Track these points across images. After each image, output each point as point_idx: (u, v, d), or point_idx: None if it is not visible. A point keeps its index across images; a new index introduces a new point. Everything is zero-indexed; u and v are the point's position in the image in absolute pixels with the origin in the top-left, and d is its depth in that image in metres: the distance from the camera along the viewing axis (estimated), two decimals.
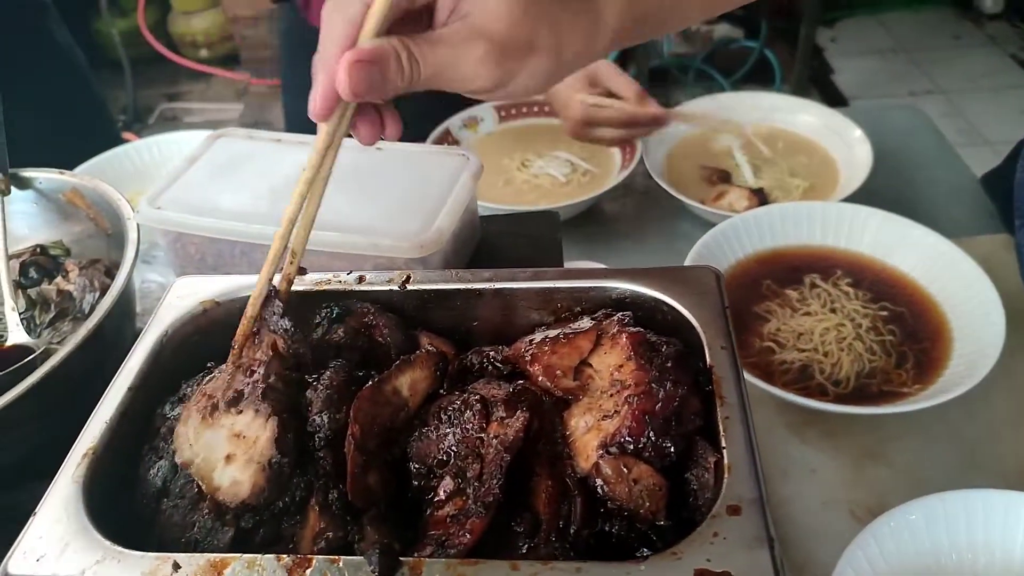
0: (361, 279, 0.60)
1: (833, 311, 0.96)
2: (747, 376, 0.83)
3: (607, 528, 0.46)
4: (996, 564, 0.71)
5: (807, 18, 2.80)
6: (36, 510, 0.46)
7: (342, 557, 0.42)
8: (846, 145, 1.23)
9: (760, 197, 1.16)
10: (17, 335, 0.82)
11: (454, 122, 1.36)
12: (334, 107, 0.47)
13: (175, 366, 0.56)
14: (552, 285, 0.58)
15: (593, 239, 1.21)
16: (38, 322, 0.85)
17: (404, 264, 0.65)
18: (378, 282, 0.60)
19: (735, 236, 1.03)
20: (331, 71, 0.45)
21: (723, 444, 0.46)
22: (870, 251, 1.03)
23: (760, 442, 0.88)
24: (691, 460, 0.47)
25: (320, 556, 0.43)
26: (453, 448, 0.49)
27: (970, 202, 1.21)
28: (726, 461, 0.45)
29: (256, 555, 0.43)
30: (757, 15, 3.09)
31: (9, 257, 0.85)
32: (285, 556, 0.43)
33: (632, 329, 0.52)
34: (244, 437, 0.48)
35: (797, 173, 1.23)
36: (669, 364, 0.48)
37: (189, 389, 0.54)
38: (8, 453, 0.63)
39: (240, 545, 0.46)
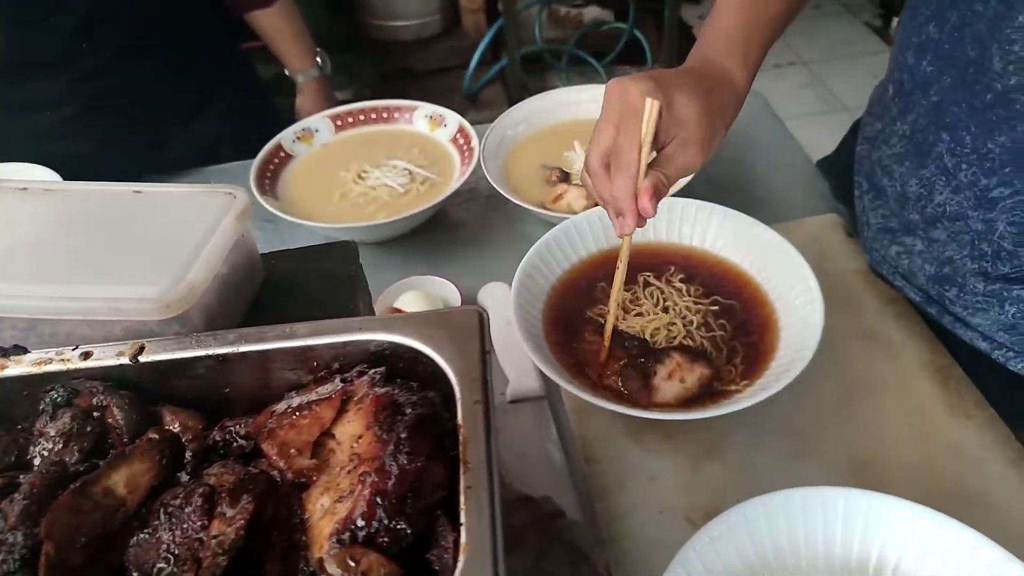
0: (87, 355, 0.53)
1: (665, 310, 0.94)
2: (574, 391, 0.80)
3: None
4: (819, 560, 0.71)
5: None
6: None
7: None
8: None
9: None
10: None
11: (287, 135, 1.28)
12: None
13: None
14: (304, 344, 0.52)
15: (436, 249, 1.17)
16: None
17: (157, 326, 0.58)
18: (107, 356, 0.53)
19: (568, 240, 1.00)
20: (633, 208, 0.70)
21: (462, 519, 0.42)
22: (702, 244, 1.02)
23: (598, 452, 0.87)
24: (432, 539, 0.43)
25: None
26: (172, 552, 0.43)
27: (806, 184, 1.23)
28: (463, 540, 0.41)
29: None
30: None
31: None
32: None
33: (379, 391, 0.47)
34: None
35: None
36: (405, 435, 0.44)
37: None
38: None
39: None
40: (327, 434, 0.47)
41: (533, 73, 3.08)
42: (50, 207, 0.67)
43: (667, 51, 3.01)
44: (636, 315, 0.94)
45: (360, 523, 0.42)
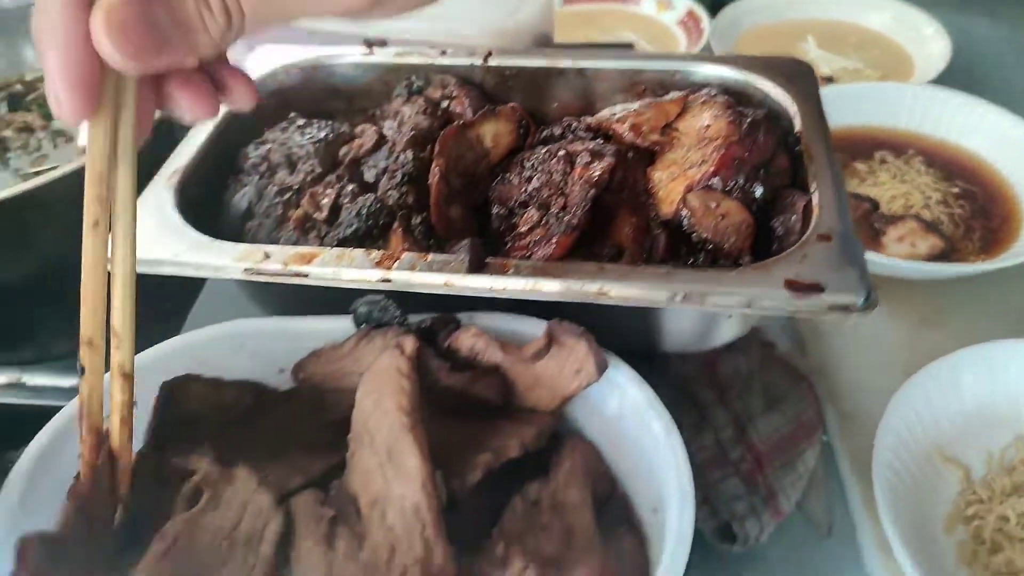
0: (443, 52, 0.59)
1: (903, 183, 0.93)
2: None
3: (691, 262, 0.45)
4: None
5: None
6: None
7: (431, 253, 0.43)
8: (920, 40, 1.19)
9: (829, 84, 1.13)
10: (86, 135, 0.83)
11: None
12: (99, 91, 0.31)
13: (260, 116, 0.57)
14: (637, 65, 0.57)
15: None
16: None
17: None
18: (460, 55, 0.59)
19: None
20: (72, 34, 0.29)
21: (813, 188, 0.45)
22: (944, 134, 1.00)
23: None
24: (778, 208, 0.46)
25: (409, 252, 0.43)
26: (536, 190, 0.49)
27: None
28: (815, 201, 0.44)
29: (344, 248, 0.44)
30: None
31: None
32: (374, 251, 0.43)
33: (723, 96, 0.51)
34: None
35: (870, 65, 1.19)
36: (759, 120, 0.47)
37: (272, 135, 0.55)
38: None
39: None
40: (669, 127, 0.52)
41: None
42: None
43: None
44: (871, 185, 0.94)
45: (716, 181, 0.46)
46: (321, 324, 0.46)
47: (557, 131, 0.56)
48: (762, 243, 0.46)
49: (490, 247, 0.49)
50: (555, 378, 0.41)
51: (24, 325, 0.78)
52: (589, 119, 0.55)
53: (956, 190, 0.94)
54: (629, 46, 0.78)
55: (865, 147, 1.00)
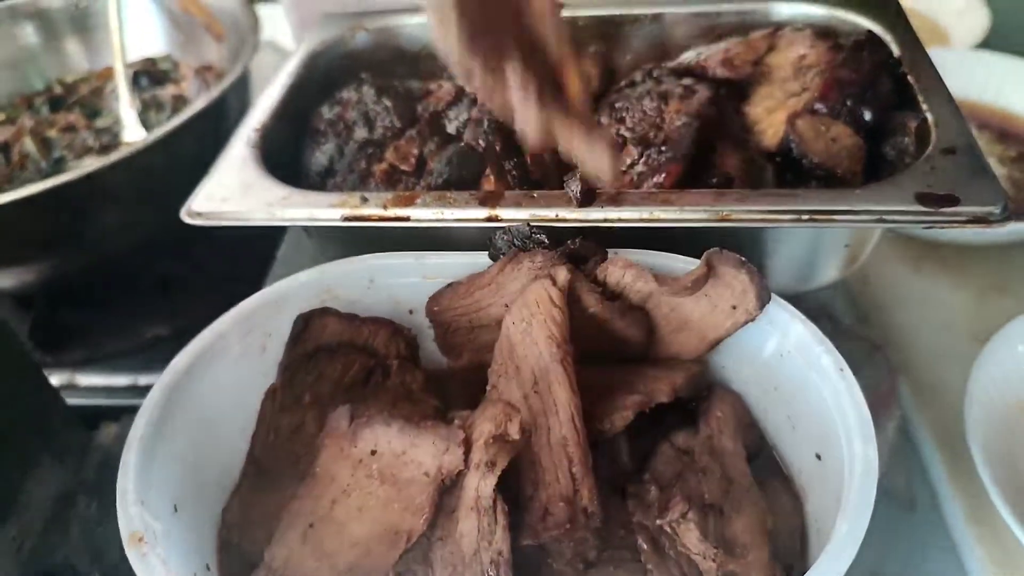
0: None
1: None
2: None
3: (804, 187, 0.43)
4: None
5: None
6: (211, 168, 0.46)
7: (537, 190, 0.41)
8: (954, 13, 1.18)
9: None
10: (134, 131, 0.82)
11: None
12: None
13: (329, 78, 0.56)
14: (714, 8, 0.55)
15: None
16: (153, 122, 0.85)
17: None
18: None
19: None
20: None
21: (924, 108, 0.43)
22: (992, 99, 0.98)
23: (874, 274, 0.86)
24: (887, 132, 0.44)
25: (513, 191, 0.41)
26: (631, 128, 0.47)
27: None
28: (931, 119, 0.42)
29: (445, 191, 0.42)
30: None
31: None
32: (475, 191, 0.42)
33: (808, 30, 0.50)
34: None
35: None
36: (862, 41, 0.46)
37: (345, 94, 0.53)
38: None
39: None
40: (758, 63, 0.50)
41: None
42: None
43: None
44: None
45: (821, 106, 0.44)
46: (454, 259, 0.42)
47: (639, 77, 0.54)
48: (870, 170, 0.44)
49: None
50: (706, 317, 0.38)
51: (75, 326, 0.77)
52: (671, 63, 0.53)
53: (1013, 153, 0.92)
54: None
55: None
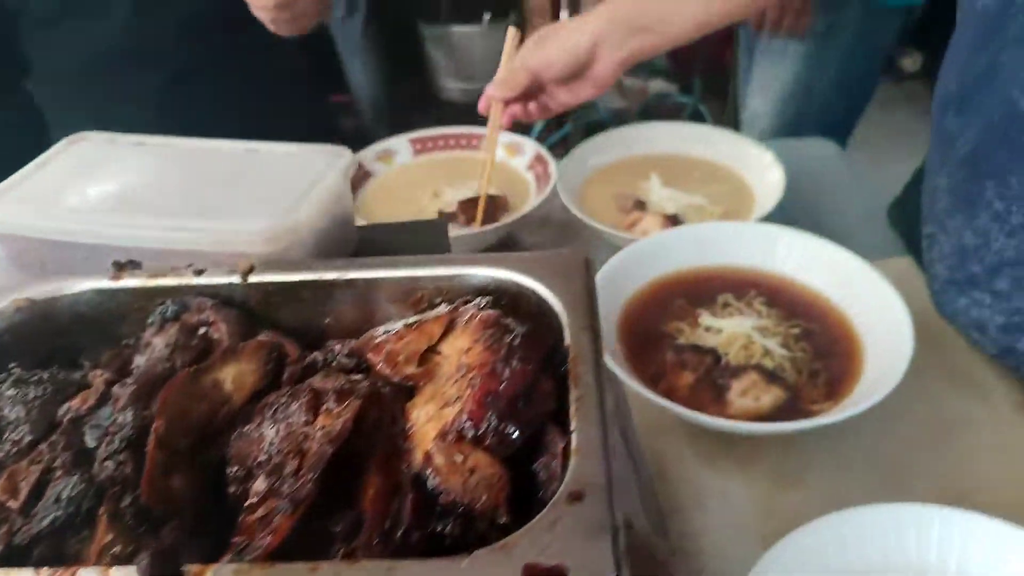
0: (200, 272, 0.54)
1: (743, 329, 0.92)
2: (651, 395, 0.79)
3: (441, 529, 0.39)
4: None
5: (735, 74, 2.89)
6: None
7: (114, 567, 0.36)
8: (760, 170, 1.23)
9: (674, 222, 1.14)
10: None
11: (367, 155, 1.33)
12: None
13: None
14: (410, 274, 0.53)
15: None
16: None
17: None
18: (218, 274, 0.54)
19: (644, 258, 1.01)
20: None
21: (572, 427, 0.40)
22: (783, 270, 1.00)
23: (670, 472, 0.84)
24: (540, 448, 0.41)
25: (85, 567, 0.35)
26: (275, 446, 0.43)
27: (880, 228, 1.21)
28: (574, 444, 0.40)
29: (13, 569, 0.36)
30: (691, 72, 3.18)
31: None
32: (45, 568, 0.36)
33: (486, 312, 0.47)
34: None
35: (714, 200, 1.21)
36: (517, 342, 0.43)
37: None
38: None
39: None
40: (433, 350, 0.47)
41: None
42: (164, 159, 0.70)
43: (728, 125, 3.06)
44: (715, 332, 0.93)
45: (468, 424, 0.41)
46: None
47: (320, 358, 0.50)
48: (525, 488, 0.41)
49: (227, 525, 0.42)
50: None
51: None
52: (353, 343, 0.50)
53: (797, 331, 0.93)
54: (442, 222, 0.75)
55: (710, 290, 0.99)
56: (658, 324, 0.94)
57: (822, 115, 1.69)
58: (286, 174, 0.66)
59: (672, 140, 1.32)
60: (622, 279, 0.98)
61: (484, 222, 1.13)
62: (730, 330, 0.91)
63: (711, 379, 0.85)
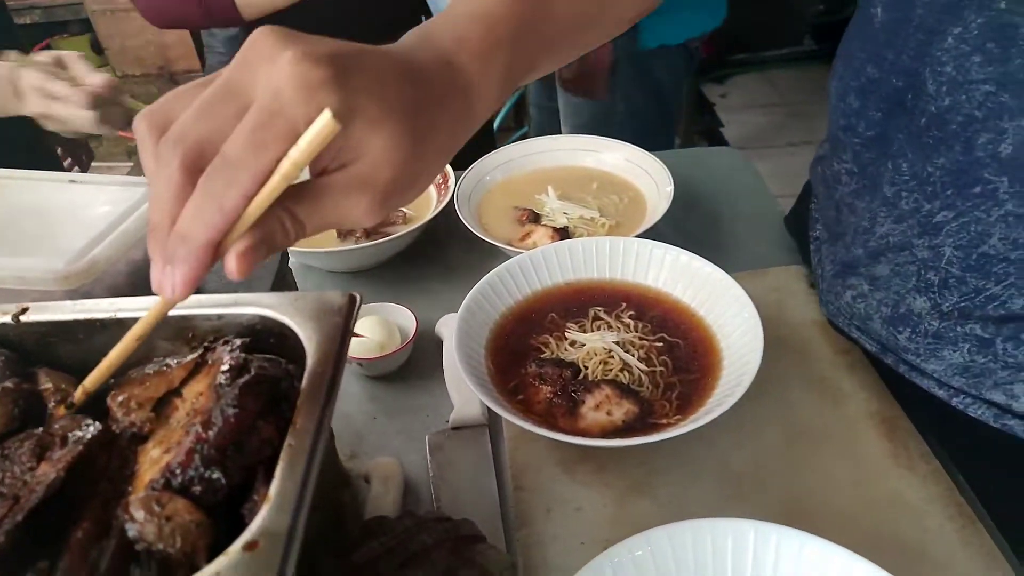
0: None
1: (606, 343, 0.93)
2: (499, 408, 0.80)
3: (139, 574, 0.40)
4: None
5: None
6: None
7: None
8: (655, 182, 1.24)
9: (563, 235, 1.15)
10: None
11: None
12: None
13: None
14: (180, 313, 0.53)
15: (405, 282, 1.18)
16: None
17: (62, 297, 0.60)
18: None
19: (523, 272, 1.01)
20: (204, 260, 0.39)
21: (276, 475, 0.41)
22: (656, 284, 1.01)
23: (528, 480, 0.85)
24: (249, 492, 0.42)
25: None
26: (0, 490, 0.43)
27: (776, 238, 1.22)
28: (270, 492, 0.40)
29: None
30: None
31: None
32: None
33: (234, 355, 0.48)
34: None
35: (607, 212, 1.22)
36: (236, 391, 0.44)
37: None
38: None
39: None
40: (175, 393, 0.48)
41: None
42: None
43: (686, 126, 3.08)
44: (579, 346, 0.94)
45: (177, 471, 0.42)
46: None
47: (79, 395, 0.51)
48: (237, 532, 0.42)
49: None
50: None
51: None
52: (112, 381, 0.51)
53: (660, 344, 0.94)
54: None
55: (583, 304, 1.00)
56: (528, 338, 0.95)
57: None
58: (100, 210, 0.66)
59: (573, 152, 1.33)
60: (500, 293, 0.99)
61: (369, 236, 1.14)
62: (591, 345, 0.92)
63: (568, 392, 0.86)
